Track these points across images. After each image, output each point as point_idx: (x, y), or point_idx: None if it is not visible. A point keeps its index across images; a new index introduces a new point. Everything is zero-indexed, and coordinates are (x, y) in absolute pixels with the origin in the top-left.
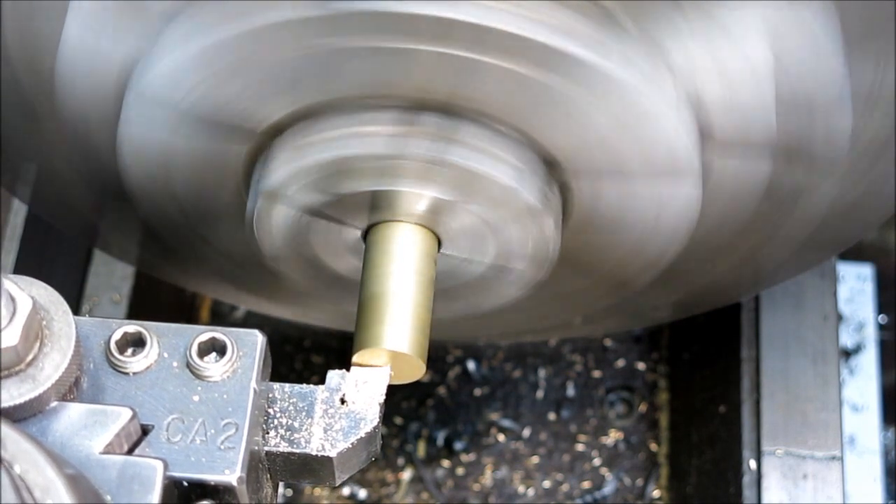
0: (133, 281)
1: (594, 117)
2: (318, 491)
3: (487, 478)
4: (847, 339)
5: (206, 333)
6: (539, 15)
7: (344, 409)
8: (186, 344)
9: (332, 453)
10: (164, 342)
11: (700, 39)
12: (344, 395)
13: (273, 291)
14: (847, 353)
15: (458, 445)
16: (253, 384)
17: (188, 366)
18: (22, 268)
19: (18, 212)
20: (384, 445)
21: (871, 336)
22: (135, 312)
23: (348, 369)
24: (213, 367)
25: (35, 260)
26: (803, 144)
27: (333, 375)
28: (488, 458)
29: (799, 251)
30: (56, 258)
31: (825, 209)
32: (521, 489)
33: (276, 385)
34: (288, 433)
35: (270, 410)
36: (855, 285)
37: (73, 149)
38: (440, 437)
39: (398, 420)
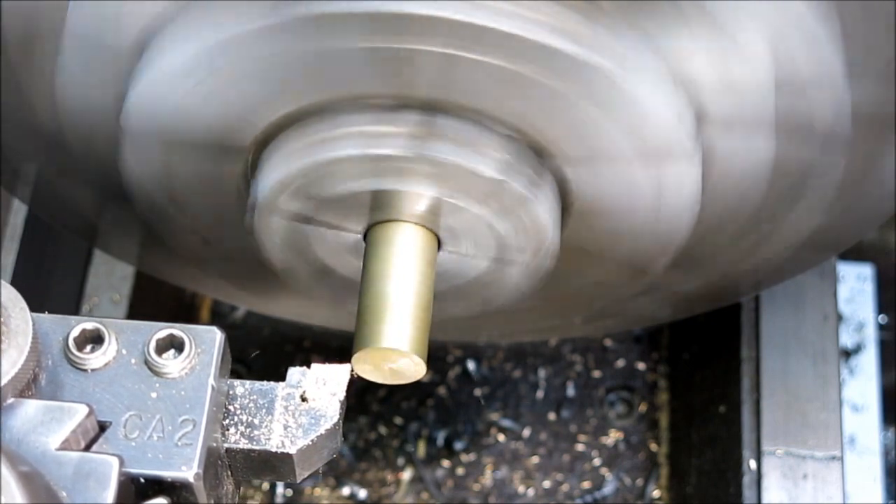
0: (133, 281)
1: (584, 108)
2: (318, 491)
3: (487, 478)
4: (847, 339)
5: (165, 330)
6: (531, 13)
7: (304, 406)
8: (145, 341)
9: (293, 450)
10: (122, 339)
11: (694, 30)
12: (304, 391)
13: (273, 291)
14: (847, 353)
15: (458, 445)
16: (211, 381)
17: (146, 363)
18: (22, 268)
19: (18, 212)
20: (384, 445)
21: (871, 336)
22: (135, 312)
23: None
24: (171, 363)
25: (35, 260)
26: (804, 121)
27: (294, 372)
28: (488, 458)
29: (799, 251)
30: (56, 258)
31: (826, 207)
32: (521, 489)
33: (237, 382)
34: (248, 430)
35: (230, 407)
36: (855, 285)
37: (74, 148)
38: (440, 437)
39: (398, 420)
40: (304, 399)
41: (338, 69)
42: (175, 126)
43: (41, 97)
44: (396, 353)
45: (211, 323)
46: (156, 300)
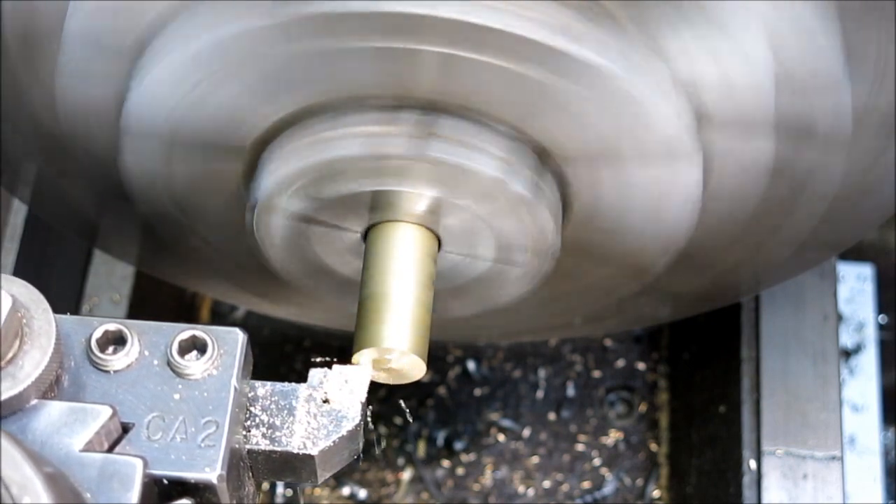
0: (133, 281)
1: (586, 108)
2: (318, 491)
3: (487, 478)
4: (847, 339)
5: (187, 331)
6: (532, 13)
7: (326, 408)
8: (167, 342)
9: (314, 451)
10: (144, 340)
11: (695, 32)
12: (326, 393)
13: (273, 291)
14: (847, 353)
15: (458, 445)
16: (233, 382)
17: (169, 364)
18: (22, 268)
19: (18, 212)
20: (384, 445)
21: (871, 336)
22: (135, 312)
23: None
24: (193, 365)
25: (35, 260)
26: (805, 122)
27: (315, 373)
28: (488, 458)
29: (799, 251)
30: (56, 258)
31: (826, 206)
32: (521, 489)
33: (258, 383)
34: (270, 431)
35: (252, 408)
36: (855, 285)
37: (74, 148)
38: (440, 437)
39: (398, 420)
40: (325, 400)
41: (339, 69)
42: (176, 124)
43: (41, 97)
44: (396, 353)
45: (211, 323)
46: (156, 300)
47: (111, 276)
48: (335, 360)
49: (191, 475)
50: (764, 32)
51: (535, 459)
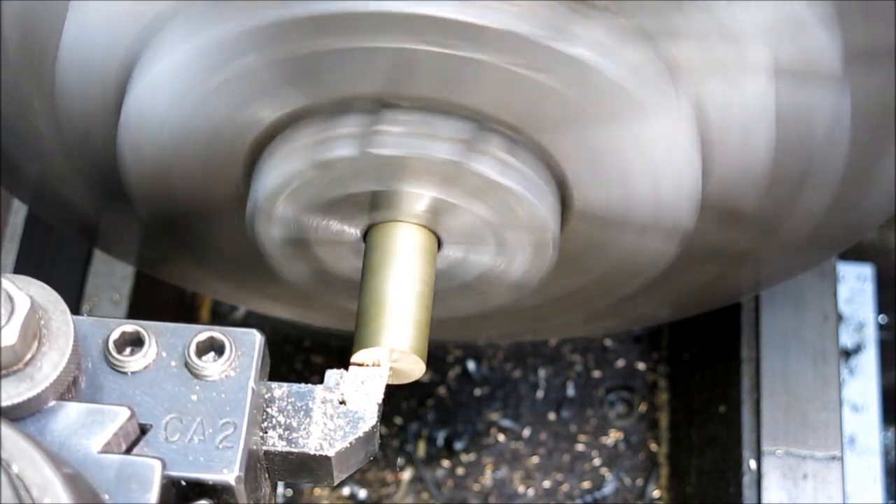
0: (133, 281)
1: (589, 114)
2: (318, 491)
3: (487, 478)
4: (847, 339)
5: (205, 333)
6: (538, 13)
7: (342, 409)
8: (185, 343)
9: (331, 453)
10: (162, 341)
11: (702, 46)
12: (342, 394)
13: (273, 291)
14: (847, 353)
15: (458, 445)
16: (251, 383)
17: (186, 365)
18: (22, 268)
19: (18, 212)
20: (384, 445)
21: (871, 336)
22: (134, 312)
23: (347, 369)
24: (211, 366)
25: (35, 260)
26: (802, 136)
27: (332, 375)
28: (488, 458)
29: (799, 251)
30: (56, 258)
31: (826, 206)
32: (521, 489)
33: (275, 384)
34: (286, 432)
35: (269, 410)
36: (855, 285)
37: (74, 149)
38: (440, 437)
39: (398, 420)
40: (342, 402)
41: (342, 69)
42: (175, 124)
43: (41, 97)
44: (396, 353)
45: (211, 323)
46: (156, 300)
47: (111, 276)
48: (335, 360)
49: (209, 476)
50: (769, 46)
51: (535, 459)
